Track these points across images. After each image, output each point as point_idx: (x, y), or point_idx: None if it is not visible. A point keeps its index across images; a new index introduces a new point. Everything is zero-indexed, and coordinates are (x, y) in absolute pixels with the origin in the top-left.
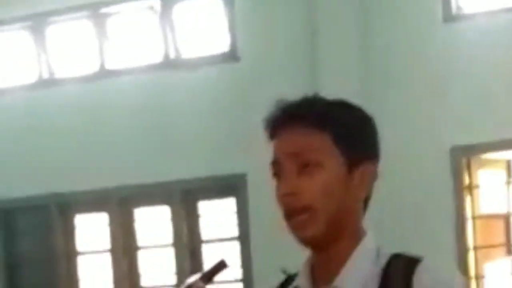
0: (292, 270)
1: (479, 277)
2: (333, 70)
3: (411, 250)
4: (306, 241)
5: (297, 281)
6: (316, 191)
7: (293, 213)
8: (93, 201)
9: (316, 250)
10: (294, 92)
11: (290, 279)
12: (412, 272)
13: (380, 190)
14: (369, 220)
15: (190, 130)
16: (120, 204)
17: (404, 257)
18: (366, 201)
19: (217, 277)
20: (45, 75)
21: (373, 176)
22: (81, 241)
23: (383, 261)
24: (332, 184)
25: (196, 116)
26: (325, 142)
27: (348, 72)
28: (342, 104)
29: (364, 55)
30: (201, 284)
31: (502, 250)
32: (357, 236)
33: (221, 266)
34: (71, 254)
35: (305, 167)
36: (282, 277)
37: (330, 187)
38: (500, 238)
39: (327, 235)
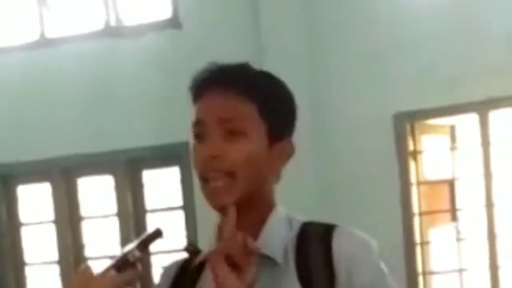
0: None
1: (424, 243)
2: (276, 35)
3: (356, 216)
4: (219, 207)
5: (207, 251)
6: (239, 158)
7: (213, 177)
8: (36, 172)
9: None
10: (238, 58)
11: (195, 253)
12: (330, 236)
13: (324, 157)
14: (314, 188)
15: (133, 99)
16: (63, 174)
17: (318, 223)
18: (280, 173)
19: (155, 245)
20: None
21: (292, 152)
22: (24, 212)
23: (296, 228)
24: (255, 154)
25: (139, 84)
26: (252, 112)
27: (292, 37)
28: (270, 78)
29: (308, 19)
30: (137, 252)
31: (447, 216)
32: (270, 205)
33: (156, 234)
34: (14, 226)
35: (231, 133)
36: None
37: (253, 157)
38: (445, 204)
39: (242, 204)
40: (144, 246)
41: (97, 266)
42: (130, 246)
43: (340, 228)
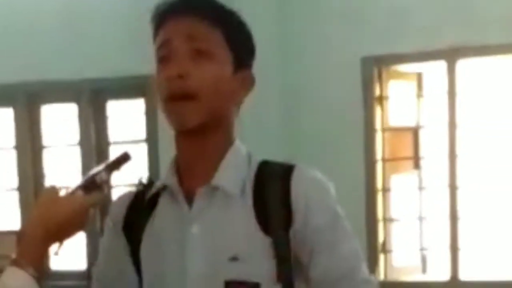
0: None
1: (385, 190)
2: None
3: (319, 159)
4: (182, 128)
5: (165, 180)
6: (205, 80)
7: (178, 97)
8: None
9: (189, 140)
10: None
11: (148, 185)
12: (289, 176)
13: (290, 100)
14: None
15: (101, 29)
16: (27, 100)
17: (277, 163)
18: (239, 107)
19: (121, 170)
20: None
21: (252, 83)
22: None
23: (255, 163)
24: (220, 78)
25: (108, 15)
26: (219, 37)
27: None
28: (232, 10)
29: None
30: (104, 175)
31: (410, 163)
32: (230, 138)
33: (124, 158)
34: None
35: (198, 53)
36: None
37: (218, 80)
38: (408, 151)
39: (205, 127)
40: (111, 169)
41: (63, 188)
42: (98, 168)
43: (299, 168)
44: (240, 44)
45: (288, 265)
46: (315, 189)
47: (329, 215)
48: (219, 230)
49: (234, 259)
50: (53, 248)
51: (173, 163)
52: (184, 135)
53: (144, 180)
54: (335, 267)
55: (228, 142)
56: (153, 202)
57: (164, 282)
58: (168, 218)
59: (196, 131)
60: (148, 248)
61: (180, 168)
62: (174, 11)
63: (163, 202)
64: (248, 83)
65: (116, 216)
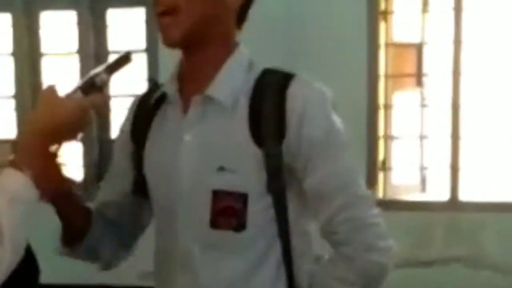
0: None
1: (387, 107)
2: None
3: (322, 74)
4: (170, 42)
5: (164, 87)
6: None
7: (160, 11)
8: None
9: (185, 53)
10: None
11: (156, 86)
12: (286, 84)
13: (294, 15)
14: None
15: None
16: (25, 6)
17: (278, 71)
18: (241, 14)
19: (122, 71)
20: None
21: None
22: None
23: (256, 73)
24: None
25: None
26: None
27: None
28: None
29: None
30: (104, 75)
31: (412, 80)
32: (228, 46)
33: (125, 59)
34: None
35: None
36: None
37: None
38: (412, 68)
39: (193, 38)
40: (112, 70)
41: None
42: (98, 69)
43: (299, 77)
44: None
45: (279, 177)
46: (311, 101)
47: (324, 128)
48: (210, 139)
49: (221, 169)
50: (52, 149)
51: (175, 70)
52: (177, 48)
53: (152, 81)
54: (330, 181)
55: (227, 49)
56: (157, 107)
57: (162, 187)
58: (167, 124)
59: (185, 45)
60: (150, 153)
61: (181, 76)
62: None
63: (164, 108)
64: None
65: (125, 122)
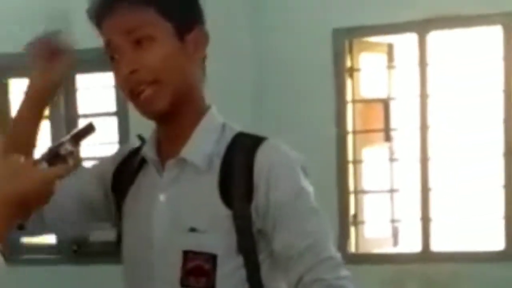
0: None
1: (357, 162)
2: None
3: (290, 131)
4: (154, 115)
5: (144, 150)
6: (156, 64)
7: (140, 90)
8: None
9: (162, 123)
10: None
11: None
12: (255, 148)
13: (262, 70)
14: (248, 99)
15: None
16: None
17: (250, 135)
18: (203, 70)
19: (86, 141)
20: None
21: (206, 39)
22: None
23: (229, 136)
24: (169, 55)
25: None
26: (151, 16)
27: None
28: None
29: None
30: (69, 146)
31: (381, 136)
32: (201, 109)
33: (89, 129)
34: None
35: (138, 43)
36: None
37: (169, 58)
38: (379, 123)
39: (174, 108)
40: (76, 140)
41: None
42: (62, 140)
43: (268, 141)
44: (177, 11)
45: (249, 238)
46: (278, 164)
47: (292, 190)
48: (183, 201)
49: (193, 230)
50: (17, 222)
51: (153, 133)
52: (157, 120)
53: (142, 140)
54: (297, 242)
55: (199, 113)
56: (141, 165)
57: (136, 243)
58: (146, 184)
59: (164, 115)
60: (128, 209)
61: (159, 138)
62: (105, 5)
63: (145, 168)
64: (201, 42)
65: (111, 160)
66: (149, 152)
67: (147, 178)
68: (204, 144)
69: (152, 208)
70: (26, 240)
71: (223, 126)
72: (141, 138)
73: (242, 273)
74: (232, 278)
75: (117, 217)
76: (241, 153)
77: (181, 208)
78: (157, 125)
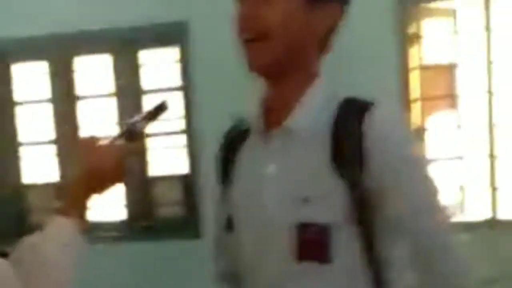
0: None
1: (422, 129)
2: None
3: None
4: (257, 68)
5: (250, 119)
6: (274, 19)
7: (248, 37)
8: (31, 49)
9: (270, 81)
10: None
11: (239, 123)
12: (365, 112)
13: None
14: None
15: None
16: (59, 52)
17: (359, 99)
18: (325, 42)
19: (159, 119)
20: None
21: (336, 16)
22: (19, 91)
23: (337, 102)
24: (290, 15)
25: None
26: None
27: None
28: None
29: None
30: (143, 123)
31: (446, 102)
32: (311, 74)
33: (162, 107)
34: (8, 105)
35: None
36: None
37: (287, 18)
38: (444, 90)
39: (281, 65)
40: (150, 118)
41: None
42: (136, 118)
43: (377, 106)
44: None
45: (361, 207)
46: (390, 129)
47: (404, 156)
48: (293, 171)
49: (305, 200)
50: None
51: (260, 102)
52: (262, 76)
53: (235, 119)
54: (411, 207)
55: (309, 78)
56: (242, 140)
57: (248, 220)
58: (252, 156)
59: (271, 71)
60: (236, 188)
61: (265, 105)
62: None
63: (251, 139)
64: (331, 15)
65: (218, 153)
66: (255, 122)
67: (253, 150)
68: (312, 113)
69: (262, 180)
70: (94, 217)
71: (332, 92)
72: (236, 116)
73: (358, 244)
74: (346, 249)
75: (226, 197)
76: (350, 119)
77: (292, 179)
78: (264, 89)
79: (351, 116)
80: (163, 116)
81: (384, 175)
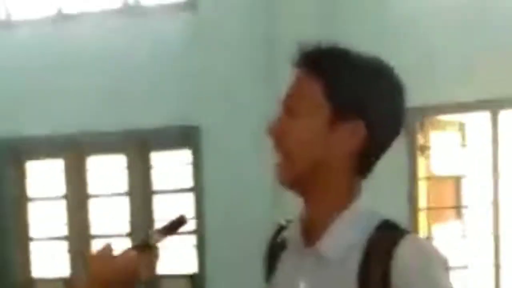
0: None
1: (428, 239)
2: (290, 16)
3: (365, 204)
4: (282, 183)
5: (286, 232)
6: (292, 138)
7: (275, 155)
8: (47, 147)
9: (301, 198)
10: (251, 39)
11: (282, 228)
12: (396, 243)
13: None
14: None
15: (148, 80)
16: (74, 151)
17: (393, 226)
18: (360, 163)
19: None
20: (1, 17)
21: (360, 135)
22: (33, 188)
23: (371, 227)
24: (308, 134)
25: (154, 66)
26: (314, 90)
27: (305, 17)
28: (347, 55)
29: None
30: (158, 236)
31: (452, 212)
32: (344, 196)
33: (181, 221)
34: (22, 201)
35: (290, 111)
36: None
37: (305, 137)
38: (451, 200)
39: (305, 184)
40: (167, 232)
41: (115, 246)
42: (153, 230)
43: (410, 238)
44: (345, 95)
45: None
46: (419, 266)
47: None
48: None
49: None
50: None
51: (300, 215)
52: (292, 191)
53: (283, 223)
54: None
55: (342, 200)
56: (282, 248)
57: None
58: (288, 267)
59: (294, 188)
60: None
61: (302, 221)
62: (294, 62)
63: (289, 250)
64: (354, 136)
65: (264, 253)
66: (293, 233)
67: (289, 261)
68: (343, 237)
69: None
70: None
71: (368, 215)
72: (280, 224)
73: None
74: None
75: None
76: (381, 249)
77: None
78: (303, 207)
79: (382, 244)
80: (181, 229)
81: None
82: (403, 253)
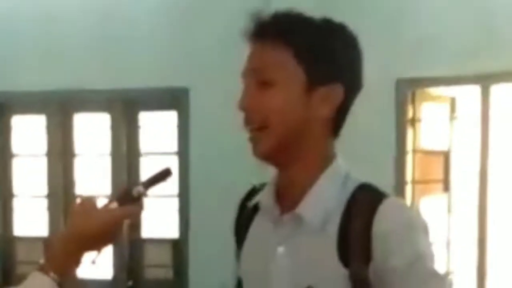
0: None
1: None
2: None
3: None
4: (259, 155)
5: (260, 197)
6: (270, 109)
7: (248, 128)
8: (32, 103)
9: (278, 167)
10: (245, 7)
11: (254, 191)
12: (376, 206)
13: None
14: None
15: (137, 40)
16: (60, 108)
17: (372, 189)
18: (335, 124)
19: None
20: None
21: (338, 98)
22: (17, 143)
23: (349, 190)
24: (287, 102)
25: (144, 27)
26: (285, 58)
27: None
28: (312, 22)
29: None
30: (141, 188)
31: (440, 186)
32: (322, 160)
33: (166, 173)
34: (5, 156)
35: (262, 84)
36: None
37: (285, 105)
38: (439, 174)
39: (284, 152)
40: (150, 183)
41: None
42: (137, 182)
43: (390, 200)
44: (315, 60)
45: None
46: (399, 227)
47: (411, 255)
48: (301, 257)
49: None
50: (90, 257)
51: (272, 179)
52: (268, 162)
53: (254, 186)
54: None
55: (320, 164)
56: (254, 212)
57: None
58: (261, 233)
59: (271, 159)
60: (244, 259)
61: (277, 188)
62: (249, 37)
63: (261, 214)
64: (331, 100)
65: (232, 221)
66: (266, 200)
67: (262, 227)
68: (323, 201)
69: (270, 260)
70: (81, 275)
71: (345, 177)
72: (252, 186)
73: None
74: None
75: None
76: (360, 211)
77: (299, 265)
78: (277, 173)
79: (361, 207)
80: (165, 182)
81: (389, 273)
82: (386, 210)
